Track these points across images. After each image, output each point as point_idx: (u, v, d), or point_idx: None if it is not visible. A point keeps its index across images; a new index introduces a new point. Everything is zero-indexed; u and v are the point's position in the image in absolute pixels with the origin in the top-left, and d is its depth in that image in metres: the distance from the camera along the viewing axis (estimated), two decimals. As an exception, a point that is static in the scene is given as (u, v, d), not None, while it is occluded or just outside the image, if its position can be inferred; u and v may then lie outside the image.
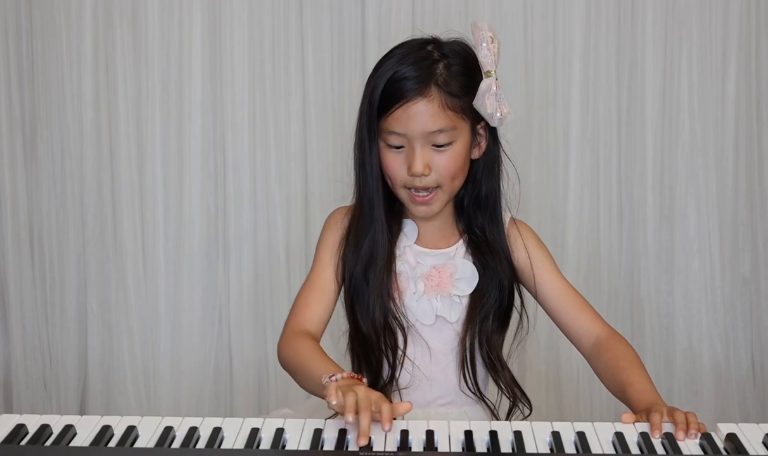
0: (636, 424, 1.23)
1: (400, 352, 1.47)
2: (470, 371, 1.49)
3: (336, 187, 2.50)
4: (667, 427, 1.21)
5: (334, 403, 1.18)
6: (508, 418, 1.51)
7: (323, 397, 1.24)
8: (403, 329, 1.47)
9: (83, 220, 2.55)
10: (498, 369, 1.50)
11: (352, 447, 1.16)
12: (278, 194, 2.53)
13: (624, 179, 2.53)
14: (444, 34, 1.47)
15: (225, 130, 2.52)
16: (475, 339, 1.49)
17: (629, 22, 2.48)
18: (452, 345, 1.50)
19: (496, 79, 1.41)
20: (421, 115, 1.39)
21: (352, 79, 2.49)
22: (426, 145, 1.41)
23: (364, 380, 1.27)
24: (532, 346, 2.45)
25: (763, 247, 2.55)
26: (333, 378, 1.25)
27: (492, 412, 1.51)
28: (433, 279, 1.48)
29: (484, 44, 1.42)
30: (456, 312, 1.49)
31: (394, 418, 1.18)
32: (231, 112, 2.51)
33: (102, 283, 2.56)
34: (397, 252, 1.49)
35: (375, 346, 1.46)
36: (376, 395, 1.19)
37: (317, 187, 2.52)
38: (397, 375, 1.47)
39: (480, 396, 1.51)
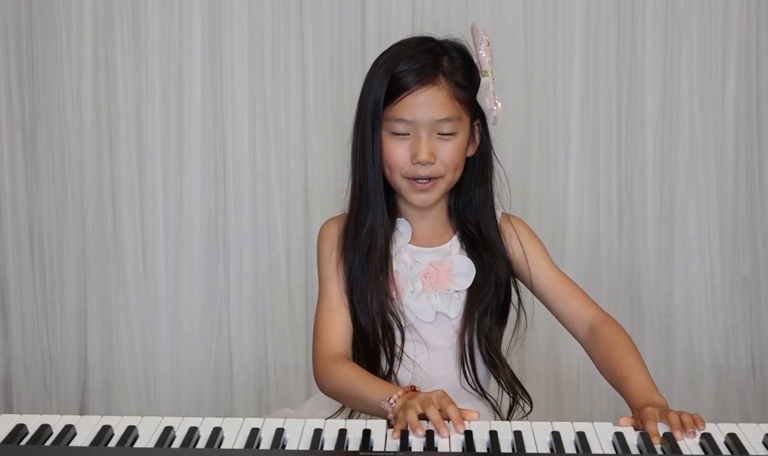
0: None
1: (397, 349, 1.48)
2: (470, 367, 1.50)
3: (336, 187, 2.51)
4: (667, 427, 1.21)
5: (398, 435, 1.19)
6: (509, 415, 1.52)
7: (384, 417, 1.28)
8: (401, 327, 1.48)
9: (83, 220, 2.55)
10: (498, 365, 1.51)
11: (352, 447, 1.16)
12: (278, 194, 2.53)
13: (624, 179, 2.53)
14: (440, 35, 1.50)
15: (225, 130, 2.52)
16: (474, 335, 1.50)
17: (629, 22, 2.48)
18: (451, 341, 1.51)
19: (493, 79, 1.45)
20: (431, 102, 1.42)
21: (352, 79, 2.49)
22: (431, 134, 1.43)
23: (419, 389, 1.29)
24: (532, 347, 2.47)
25: (763, 247, 2.55)
26: (391, 401, 1.27)
27: (495, 408, 1.52)
28: (431, 276, 1.49)
29: (482, 45, 1.45)
30: (455, 307, 1.50)
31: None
32: (231, 112, 2.51)
33: (102, 283, 2.56)
34: (393, 252, 1.50)
35: (372, 338, 1.48)
36: (435, 394, 1.23)
37: (317, 187, 2.52)
38: (395, 370, 1.48)
39: (481, 392, 1.51)
